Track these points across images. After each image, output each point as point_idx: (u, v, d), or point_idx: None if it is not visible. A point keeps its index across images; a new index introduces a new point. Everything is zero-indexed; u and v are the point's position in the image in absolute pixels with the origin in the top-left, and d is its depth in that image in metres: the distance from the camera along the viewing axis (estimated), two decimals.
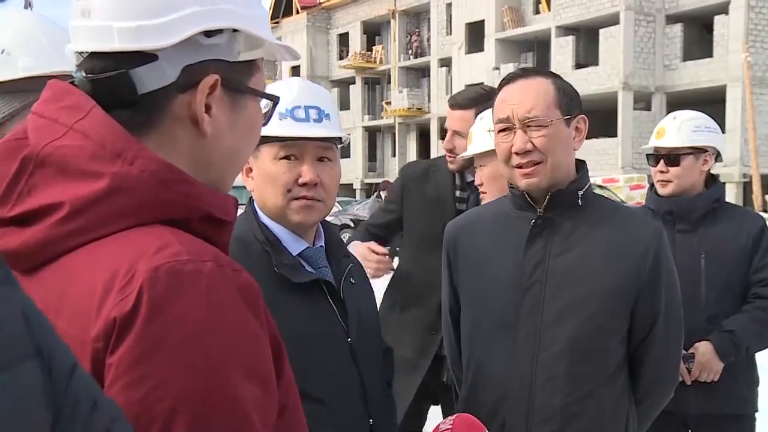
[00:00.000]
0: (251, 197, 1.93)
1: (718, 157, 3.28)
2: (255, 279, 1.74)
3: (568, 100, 2.04)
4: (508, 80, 2.09)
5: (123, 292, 0.88)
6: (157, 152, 0.98)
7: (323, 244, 1.93)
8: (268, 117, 1.17)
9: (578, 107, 2.08)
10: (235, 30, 1.04)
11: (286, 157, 1.82)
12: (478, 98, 3.25)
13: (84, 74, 1.02)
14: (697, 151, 3.20)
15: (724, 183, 3.40)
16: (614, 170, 27.47)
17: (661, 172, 3.22)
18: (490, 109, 2.30)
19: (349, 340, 1.84)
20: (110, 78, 0.99)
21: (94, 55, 1.01)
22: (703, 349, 3.03)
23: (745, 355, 3.08)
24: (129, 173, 0.94)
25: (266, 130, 1.77)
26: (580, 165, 2.14)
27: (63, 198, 0.94)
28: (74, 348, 0.90)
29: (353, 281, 1.92)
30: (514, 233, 2.09)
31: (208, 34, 1.02)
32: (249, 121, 1.10)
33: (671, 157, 3.21)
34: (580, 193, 2.07)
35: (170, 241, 0.92)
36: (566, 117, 2.03)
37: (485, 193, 2.75)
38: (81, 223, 0.94)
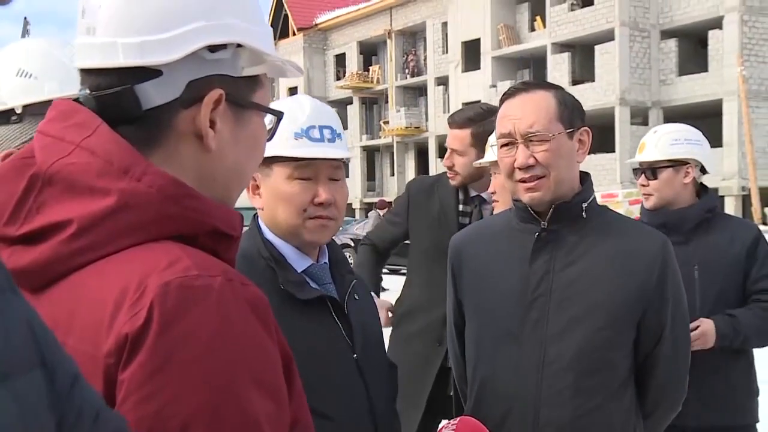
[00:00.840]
0: (255, 214, 1.93)
1: (705, 168, 3.29)
2: None
3: (570, 113, 2.04)
4: (509, 95, 2.09)
5: (134, 308, 0.87)
6: (163, 168, 0.98)
7: (327, 261, 1.92)
8: (272, 132, 1.17)
9: (581, 119, 2.08)
10: (239, 45, 1.04)
11: (301, 178, 1.83)
12: (475, 117, 3.37)
13: (89, 91, 1.02)
14: (677, 163, 3.21)
15: (722, 196, 3.42)
16: (613, 185, 27.47)
17: (643, 185, 3.27)
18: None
19: (355, 355, 1.84)
20: (115, 94, 0.99)
21: (99, 72, 1.01)
22: (706, 325, 3.01)
23: (740, 345, 3.06)
24: (137, 189, 0.94)
25: (282, 150, 1.78)
26: (585, 177, 2.13)
27: (71, 215, 0.94)
28: (86, 364, 0.89)
29: (357, 297, 1.92)
30: (518, 246, 2.09)
31: (212, 49, 1.01)
32: (253, 136, 1.09)
33: (650, 171, 3.24)
34: (585, 205, 2.07)
35: (180, 257, 0.92)
36: (569, 130, 2.02)
37: (497, 201, 2.86)
38: (89, 240, 0.94)
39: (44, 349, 0.70)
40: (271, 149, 1.76)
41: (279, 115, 1.15)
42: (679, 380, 2.14)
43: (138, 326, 0.86)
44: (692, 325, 3.00)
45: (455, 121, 3.42)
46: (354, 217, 35.89)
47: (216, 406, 0.87)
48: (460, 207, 3.48)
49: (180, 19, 0.99)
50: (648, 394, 2.10)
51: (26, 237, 0.96)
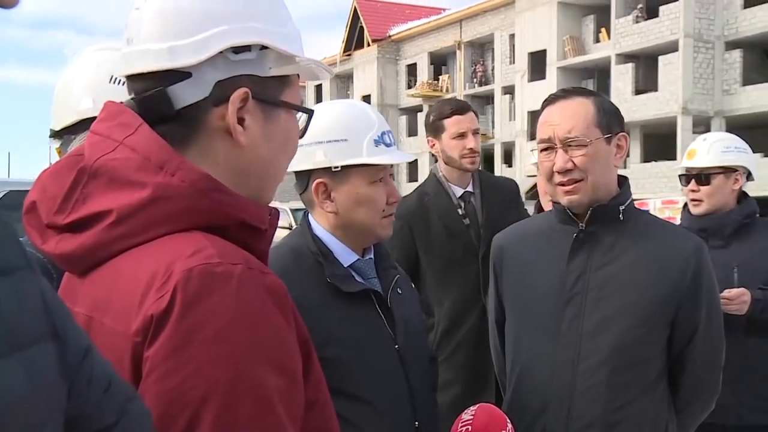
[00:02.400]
0: (306, 212, 1.96)
1: (749, 176, 3.25)
2: (308, 288, 1.78)
3: (608, 119, 2.02)
4: (549, 101, 2.08)
5: (160, 291, 0.91)
6: (199, 163, 1.02)
7: (372, 257, 1.95)
8: (304, 130, 1.19)
9: (619, 125, 2.06)
10: (264, 47, 1.07)
11: (378, 180, 1.86)
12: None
13: (132, 96, 1.07)
14: (727, 170, 3.19)
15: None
16: (674, 192, 26.79)
17: (693, 191, 3.21)
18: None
19: (396, 346, 1.86)
20: (151, 96, 1.03)
21: (138, 77, 1.06)
22: (744, 291, 2.97)
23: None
24: (170, 183, 0.98)
25: (368, 158, 1.80)
26: (622, 180, 2.11)
27: (112, 206, 0.98)
28: (119, 342, 0.94)
29: (400, 291, 1.93)
30: (557, 246, 2.08)
31: (237, 50, 1.05)
32: (284, 133, 1.12)
33: (702, 176, 3.19)
34: (622, 208, 2.05)
35: (205, 246, 0.95)
36: (606, 135, 2.01)
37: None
38: (127, 229, 0.98)
39: (57, 323, 0.73)
40: (355, 157, 1.79)
41: (310, 113, 1.18)
42: (712, 379, 2.10)
43: (162, 308, 0.90)
44: (727, 292, 2.95)
45: (468, 106, 3.47)
46: None
47: (232, 382, 0.90)
48: (459, 211, 3.39)
49: (205, 25, 1.03)
50: (681, 392, 2.07)
51: (73, 225, 1.01)
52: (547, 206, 2.85)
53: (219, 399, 0.89)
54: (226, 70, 1.04)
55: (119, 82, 1.83)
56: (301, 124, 1.19)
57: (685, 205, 3.39)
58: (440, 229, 3.36)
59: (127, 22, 1.08)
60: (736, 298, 2.96)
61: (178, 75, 1.03)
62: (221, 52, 1.03)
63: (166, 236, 0.98)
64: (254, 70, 1.07)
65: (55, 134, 1.84)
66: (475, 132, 3.39)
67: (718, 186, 3.17)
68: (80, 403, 0.75)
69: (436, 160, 3.54)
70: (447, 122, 3.37)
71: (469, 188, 3.44)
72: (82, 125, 1.77)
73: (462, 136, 3.34)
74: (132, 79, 1.07)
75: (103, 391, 0.78)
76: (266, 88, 1.08)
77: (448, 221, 3.36)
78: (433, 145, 3.44)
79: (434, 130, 3.42)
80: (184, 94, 1.03)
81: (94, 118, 1.79)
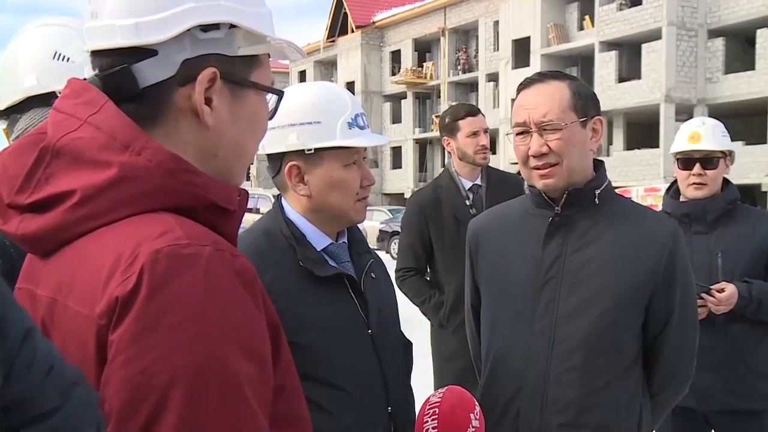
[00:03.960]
0: (279, 195, 1.94)
1: (732, 160, 3.30)
2: (282, 271, 1.76)
3: (583, 103, 2.01)
4: (525, 85, 2.07)
5: (126, 273, 0.89)
6: (165, 143, 1.00)
7: (346, 241, 1.93)
8: (274, 111, 1.17)
9: (595, 108, 2.05)
10: (233, 26, 1.04)
11: (352, 163, 1.84)
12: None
13: (95, 72, 1.04)
14: (724, 155, 3.22)
15: (765, 192, 3.38)
16: (656, 179, 26.96)
17: (699, 175, 3.18)
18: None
19: (370, 331, 1.85)
20: (115, 73, 1.01)
21: (102, 53, 1.03)
22: (730, 288, 3.00)
23: (755, 311, 3.02)
24: (137, 163, 0.96)
25: (342, 141, 1.78)
26: (598, 165, 2.11)
27: (75, 186, 0.96)
28: (82, 325, 0.92)
29: (374, 276, 1.92)
30: (533, 230, 2.07)
31: (205, 29, 1.02)
32: (252, 114, 1.10)
33: (707, 160, 3.18)
34: (598, 192, 2.04)
35: (172, 227, 0.93)
36: (582, 119, 2.00)
37: None
38: (91, 209, 0.96)
39: None
40: (328, 140, 1.77)
41: (280, 94, 1.16)
42: (685, 364, 2.10)
43: (128, 290, 0.88)
44: (718, 286, 2.97)
45: (478, 110, 3.98)
46: (405, 206, 35.84)
47: (199, 366, 0.88)
48: (467, 202, 3.87)
49: (172, 1, 1.00)
50: (655, 376, 2.07)
51: (35, 205, 0.98)
52: None
53: (186, 384, 0.87)
54: (193, 48, 1.02)
55: (64, 59, 1.78)
56: (271, 105, 1.17)
57: (668, 189, 3.39)
58: (450, 217, 3.84)
59: None
60: (726, 300, 2.98)
61: (144, 52, 1.00)
62: (189, 30, 1.01)
63: (132, 217, 0.96)
64: (222, 49, 1.04)
65: (0, 114, 1.80)
66: (486, 131, 3.89)
67: (721, 170, 3.20)
68: (21, 386, 0.73)
69: (447, 156, 4.13)
70: (461, 123, 3.86)
71: (478, 181, 3.93)
72: (27, 103, 1.73)
73: (475, 134, 3.84)
74: (96, 54, 1.04)
75: (45, 374, 0.76)
76: (235, 68, 1.05)
77: (457, 210, 3.85)
78: (449, 143, 3.91)
79: (450, 130, 3.90)
80: (149, 73, 1.01)
81: (39, 96, 1.77)
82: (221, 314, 0.90)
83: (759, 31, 27.95)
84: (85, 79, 1.05)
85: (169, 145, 1.00)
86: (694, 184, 3.20)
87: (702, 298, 2.95)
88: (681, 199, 3.27)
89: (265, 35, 1.08)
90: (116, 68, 1.01)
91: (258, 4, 1.09)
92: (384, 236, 22.28)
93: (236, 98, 1.06)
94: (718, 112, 27.02)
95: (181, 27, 1.00)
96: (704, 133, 3.21)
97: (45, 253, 1.01)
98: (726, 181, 3.26)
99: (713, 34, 29.54)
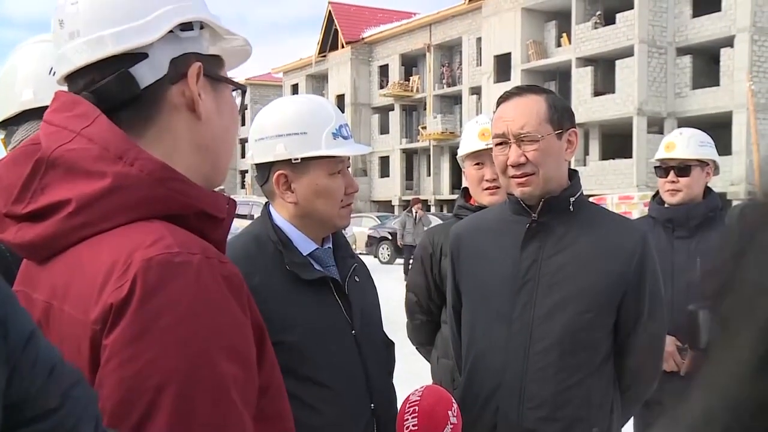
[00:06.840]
0: (267, 203, 1.93)
1: (716, 170, 3.27)
2: (270, 274, 1.75)
3: (559, 116, 2.01)
4: (504, 98, 2.07)
5: (120, 280, 0.89)
6: (159, 142, 1.00)
7: (331, 246, 1.92)
8: (241, 106, 1.17)
9: (570, 121, 2.05)
10: (202, 27, 1.06)
11: (337, 172, 1.83)
12: None
13: (86, 90, 1.02)
14: (702, 163, 3.20)
15: (731, 200, 3.38)
16: (629, 188, 27.07)
17: (672, 182, 3.20)
18: (481, 115, 2.65)
19: (353, 332, 1.84)
20: (114, 80, 1.00)
21: (90, 69, 1.02)
22: (670, 346, 2.99)
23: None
24: (130, 173, 0.95)
25: (328, 150, 1.78)
26: (573, 174, 2.11)
27: (70, 195, 0.95)
28: (77, 329, 0.91)
29: (357, 279, 1.92)
30: (511, 236, 2.07)
31: (183, 28, 1.04)
32: (231, 108, 1.12)
33: (681, 168, 3.19)
34: (572, 199, 2.04)
35: (164, 235, 0.93)
36: (557, 131, 2.00)
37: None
38: (86, 218, 0.95)
39: None
40: (314, 150, 1.76)
41: (244, 89, 1.17)
42: (654, 361, 2.11)
43: (122, 297, 0.87)
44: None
45: None
46: (393, 213, 35.88)
47: (189, 369, 0.87)
48: None
49: (151, 6, 1.01)
50: (625, 373, 2.07)
51: (32, 215, 0.98)
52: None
53: (176, 387, 0.87)
54: (177, 47, 1.03)
55: None
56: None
57: (655, 195, 3.40)
58: None
59: (62, 19, 1.03)
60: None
61: (135, 57, 1.01)
62: (171, 31, 1.02)
63: (125, 225, 0.95)
64: (197, 47, 1.06)
65: None
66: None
67: (695, 177, 3.19)
68: (24, 386, 0.71)
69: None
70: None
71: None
72: (24, 116, 1.72)
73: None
74: (79, 74, 1.03)
75: (47, 374, 0.74)
76: (210, 64, 1.07)
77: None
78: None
79: None
80: (144, 74, 1.01)
81: (35, 109, 1.75)
82: (210, 319, 0.90)
83: (723, 50, 28.19)
84: (76, 91, 1.04)
85: (163, 144, 1.01)
86: (669, 190, 3.22)
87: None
88: (666, 205, 3.28)
89: (228, 32, 1.10)
90: (113, 76, 1.00)
91: (206, 5, 1.11)
92: (372, 241, 22.25)
93: (217, 93, 1.08)
94: (687, 124, 27.06)
95: (165, 27, 1.01)
96: (678, 143, 3.24)
97: (42, 260, 1.00)
98: (708, 190, 3.27)
99: (681, 51, 29.75)
